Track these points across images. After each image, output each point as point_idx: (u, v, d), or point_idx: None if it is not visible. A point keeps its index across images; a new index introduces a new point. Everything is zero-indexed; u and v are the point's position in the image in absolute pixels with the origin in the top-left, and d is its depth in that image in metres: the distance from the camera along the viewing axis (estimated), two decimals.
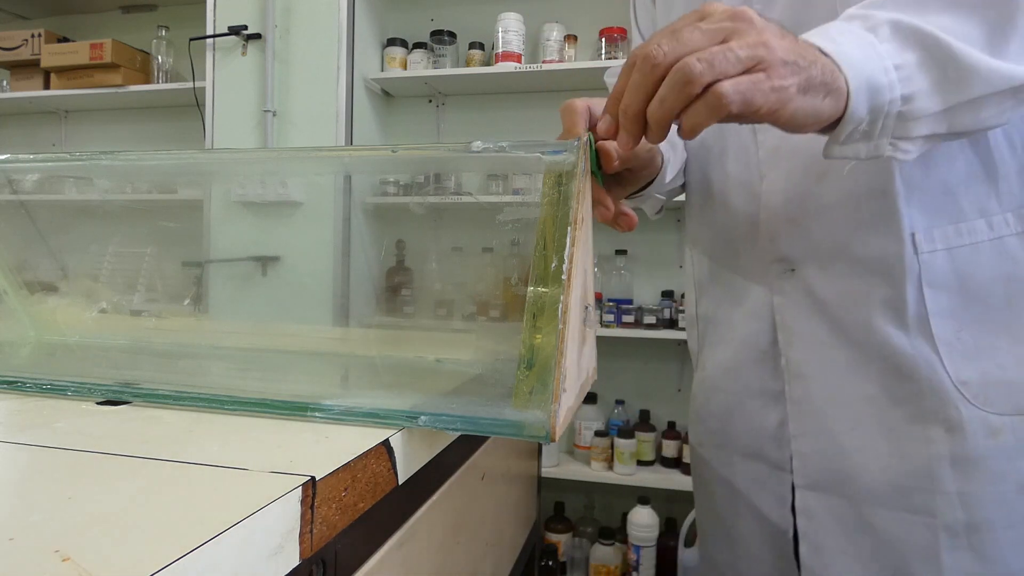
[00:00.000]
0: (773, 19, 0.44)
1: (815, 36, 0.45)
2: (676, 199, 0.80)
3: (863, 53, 0.45)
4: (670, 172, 0.69)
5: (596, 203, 0.52)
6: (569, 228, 0.41)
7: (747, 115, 0.42)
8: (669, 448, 1.98)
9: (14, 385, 0.49)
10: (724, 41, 0.41)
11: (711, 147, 0.70)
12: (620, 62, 1.98)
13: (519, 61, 2.00)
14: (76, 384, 0.48)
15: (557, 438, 0.38)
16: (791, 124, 0.44)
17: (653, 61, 0.41)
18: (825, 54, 0.44)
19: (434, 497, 0.48)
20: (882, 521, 0.61)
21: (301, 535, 0.30)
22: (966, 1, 0.47)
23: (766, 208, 0.64)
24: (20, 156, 0.63)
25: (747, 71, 0.41)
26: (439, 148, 0.48)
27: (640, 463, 1.97)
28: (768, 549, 0.70)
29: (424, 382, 0.55)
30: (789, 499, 0.67)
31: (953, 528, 0.59)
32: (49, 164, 0.68)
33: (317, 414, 0.42)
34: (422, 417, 0.41)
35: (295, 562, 0.29)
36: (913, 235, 0.57)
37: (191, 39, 2.06)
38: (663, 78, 0.41)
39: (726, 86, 0.40)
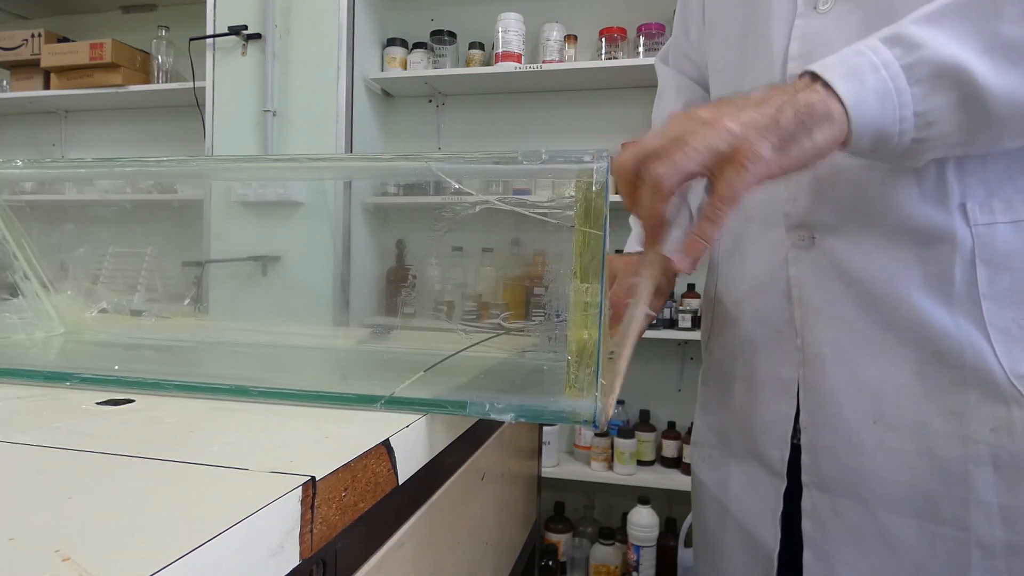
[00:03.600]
0: (735, 95, 0.45)
1: (833, 68, 0.44)
2: None
3: (879, 103, 0.43)
4: None
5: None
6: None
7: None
8: (669, 448, 1.98)
9: (65, 378, 0.51)
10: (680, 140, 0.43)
11: None
12: (620, 62, 1.96)
13: (519, 61, 2.00)
14: (126, 378, 0.50)
15: (605, 425, 0.42)
16: (793, 171, 0.44)
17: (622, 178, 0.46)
18: (831, 89, 0.43)
19: (434, 497, 0.48)
20: (902, 531, 0.55)
21: (301, 535, 0.30)
22: None
23: None
24: (34, 161, 0.64)
25: (721, 160, 0.42)
26: (469, 158, 0.48)
27: (640, 463, 1.97)
28: (752, 570, 0.65)
29: (458, 375, 0.56)
30: (780, 509, 0.61)
31: (989, 546, 0.51)
32: (63, 171, 0.68)
33: (381, 405, 0.45)
34: (486, 405, 0.43)
35: (295, 562, 0.29)
36: (964, 205, 0.51)
37: (191, 39, 2.06)
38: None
39: (718, 193, 0.43)
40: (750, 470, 0.65)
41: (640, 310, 0.45)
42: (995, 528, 0.51)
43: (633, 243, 0.77)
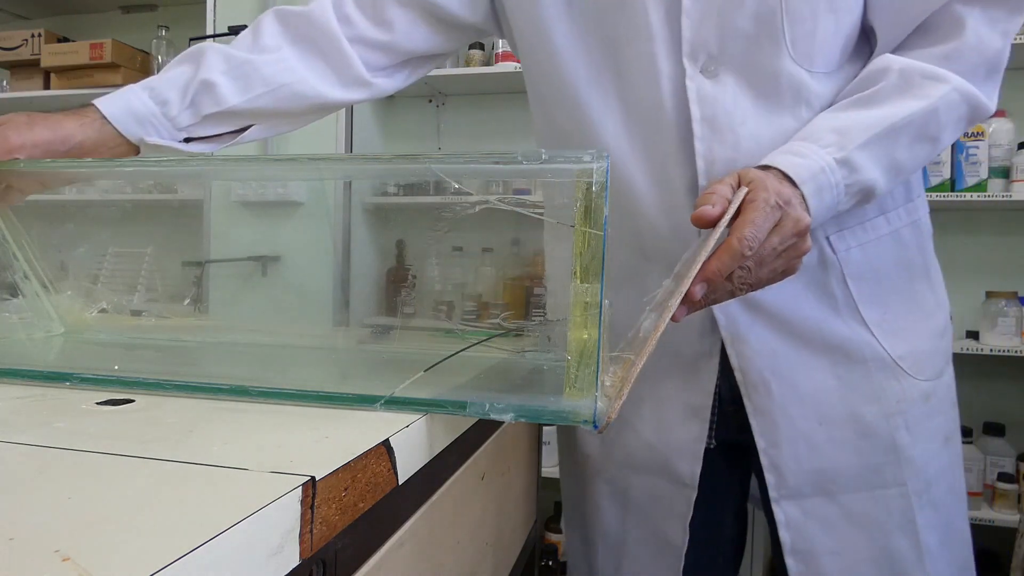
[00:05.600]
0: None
1: (808, 183, 0.54)
2: None
3: (826, 213, 0.56)
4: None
5: None
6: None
7: None
8: None
9: (64, 378, 0.50)
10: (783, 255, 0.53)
11: (618, 176, 0.67)
12: None
13: (519, 61, 2.00)
14: (126, 378, 0.50)
15: (606, 427, 0.42)
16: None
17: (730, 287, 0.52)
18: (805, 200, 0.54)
19: (434, 497, 0.48)
20: (862, 506, 0.65)
21: (301, 535, 0.30)
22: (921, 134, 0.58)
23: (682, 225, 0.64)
24: (34, 161, 0.64)
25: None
26: (468, 158, 0.48)
27: None
28: (658, 563, 0.72)
29: (458, 375, 0.56)
30: (690, 515, 0.69)
31: (919, 490, 0.65)
32: (63, 171, 0.68)
33: (381, 405, 0.44)
34: (485, 405, 0.43)
35: (295, 562, 0.29)
36: (828, 238, 0.64)
37: (191, 39, 2.06)
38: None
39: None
40: (656, 482, 0.71)
41: (664, 319, 0.45)
42: (920, 473, 0.65)
43: None
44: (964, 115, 0.59)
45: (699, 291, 0.49)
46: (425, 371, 0.51)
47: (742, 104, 0.61)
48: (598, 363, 0.42)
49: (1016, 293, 1.69)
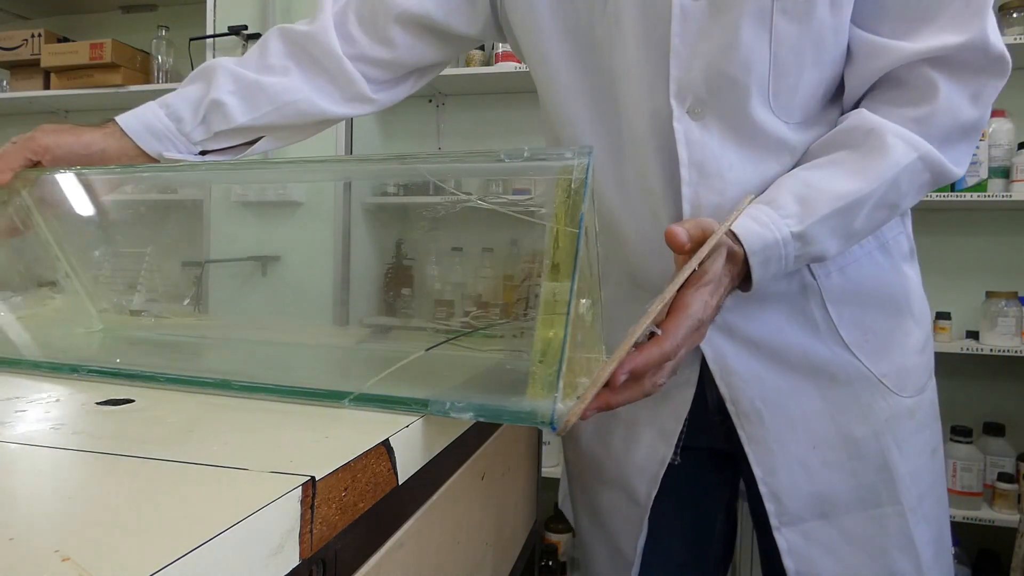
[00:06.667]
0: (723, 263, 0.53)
1: (758, 253, 0.54)
2: None
3: (771, 278, 0.57)
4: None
5: None
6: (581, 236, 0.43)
7: None
8: None
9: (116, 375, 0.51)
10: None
11: (611, 212, 0.68)
12: None
13: (519, 61, 2.00)
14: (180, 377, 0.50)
15: (565, 430, 0.41)
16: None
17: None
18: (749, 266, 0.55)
19: (434, 497, 0.48)
20: (861, 527, 0.66)
21: (301, 535, 0.30)
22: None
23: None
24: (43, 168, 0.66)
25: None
26: (453, 157, 0.48)
27: None
28: (613, 570, 0.76)
29: (443, 375, 0.56)
30: (641, 533, 0.72)
31: (913, 506, 0.66)
32: (63, 171, 0.70)
33: (349, 401, 0.45)
34: (446, 403, 0.43)
35: (295, 562, 0.29)
36: (809, 264, 0.63)
37: (191, 39, 2.06)
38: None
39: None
40: (618, 496, 0.74)
41: (642, 324, 0.44)
42: (911, 490, 0.65)
43: None
44: (927, 182, 0.60)
45: (620, 378, 0.45)
46: (391, 370, 0.51)
47: (728, 149, 0.61)
48: (560, 363, 0.41)
49: (1016, 293, 1.69)
